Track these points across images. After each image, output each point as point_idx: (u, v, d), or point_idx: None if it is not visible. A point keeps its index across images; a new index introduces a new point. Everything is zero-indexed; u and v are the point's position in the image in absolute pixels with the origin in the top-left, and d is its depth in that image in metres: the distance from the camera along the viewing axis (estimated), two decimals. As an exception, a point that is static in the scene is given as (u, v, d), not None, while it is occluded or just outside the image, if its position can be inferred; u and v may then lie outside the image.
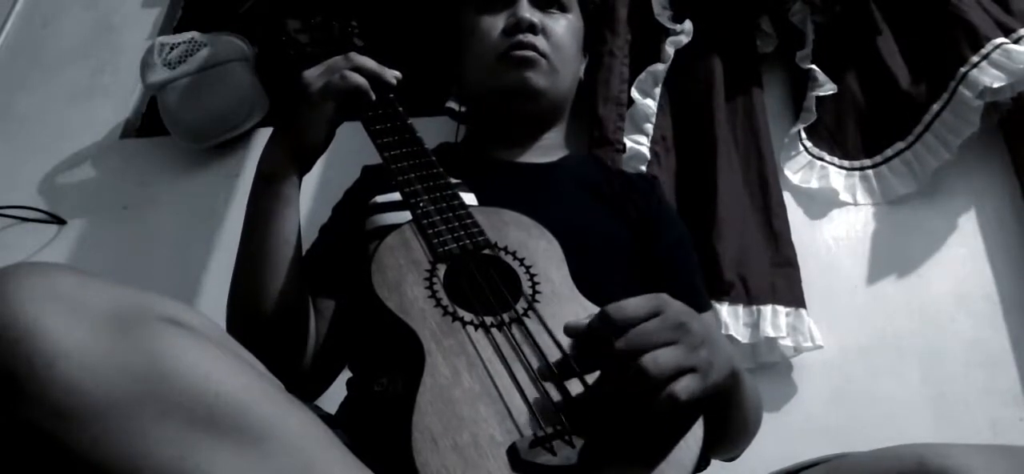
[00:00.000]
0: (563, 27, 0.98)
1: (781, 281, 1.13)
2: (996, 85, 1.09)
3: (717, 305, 1.09)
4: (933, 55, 1.19)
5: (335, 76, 0.78)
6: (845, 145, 1.25)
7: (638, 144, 1.21)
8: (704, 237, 1.14)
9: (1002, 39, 1.13)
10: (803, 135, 1.26)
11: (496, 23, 0.95)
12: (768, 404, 1.05)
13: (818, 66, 1.25)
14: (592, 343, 0.55)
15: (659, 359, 0.52)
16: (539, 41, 0.93)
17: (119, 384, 0.41)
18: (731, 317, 1.09)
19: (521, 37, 0.92)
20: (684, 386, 0.52)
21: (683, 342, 0.54)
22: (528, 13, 0.93)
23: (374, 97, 0.80)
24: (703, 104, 1.26)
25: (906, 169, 1.19)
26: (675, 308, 0.56)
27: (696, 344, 0.54)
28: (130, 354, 0.43)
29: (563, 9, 0.99)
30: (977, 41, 1.14)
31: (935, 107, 1.16)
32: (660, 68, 1.26)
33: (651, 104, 1.23)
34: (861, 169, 1.23)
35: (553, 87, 0.95)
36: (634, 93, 1.25)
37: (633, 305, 0.54)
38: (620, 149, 1.22)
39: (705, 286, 1.09)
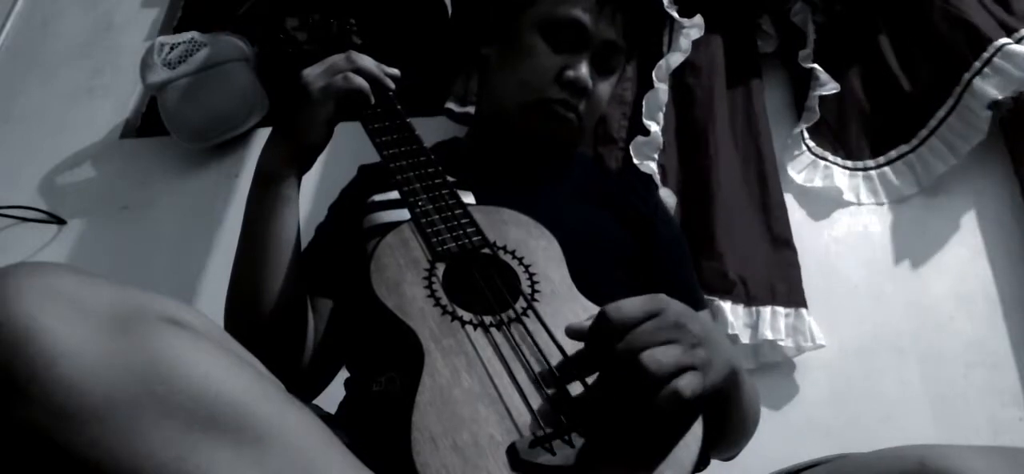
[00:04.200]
0: (606, 89, 0.94)
1: (780, 282, 1.13)
2: (1002, 96, 1.10)
3: (721, 303, 1.09)
4: (935, 56, 1.19)
5: (337, 77, 0.77)
6: (848, 145, 1.25)
7: (655, 129, 1.21)
8: (708, 235, 1.14)
9: (1004, 39, 1.13)
10: (806, 134, 1.26)
11: (553, 62, 0.89)
12: (768, 404, 1.05)
13: (820, 66, 1.25)
14: (591, 344, 0.55)
15: (659, 357, 0.52)
16: (582, 104, 0.90)
17: (119, 384, 0.41)
18: (734, 315, 1.09)
19: (570, 98, 0.89)
20: (685, 383, 0.52)
21: (682, 341, 0.54)
22: (587, 77, 0.89)
23: (374, 100, 0.80)
24: (705, 103, 1.26)
25: (909, 171, 1.19)
26: (674, 308, 0.56)
27: (695, 343, 0.55)
28: (130, 354, 0.42)
29: (614, 71, 0.95)
30: (979, 42, 1.14)
31: (941, 113, 1.16)
32: (677, 58, 1.26)
33: (664, 89, 1.23)
34: (864, 169, 1.23)
35: (575, 141, 0.95)
36: (653, 77, 1.24)
37: (631, 305, 0.54)
38: (623, 146, 1.22)
39: (711, 283, 1.09)
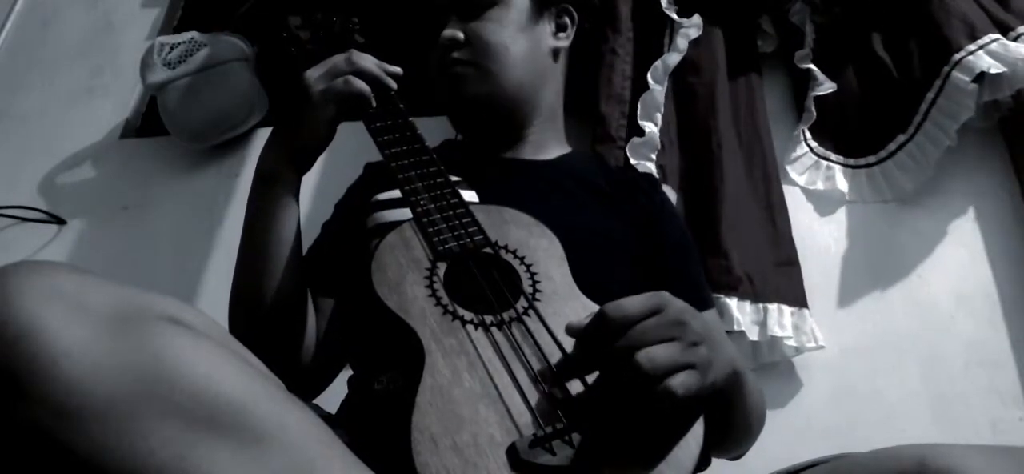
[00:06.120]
0: (490, 25, 0.92)
1: (784, 280, 1.13)
2: (993, 71, 1.09)
3: (727, 300, 1.09)
4: (930, 49, 1.19)
5: (338, 80, 0.77)
6: (849, 143, 1.25)
7: (650, 129, 1.21)
8: (713, 233, 1.14)
9: (999, 36, 1.13)
10: (807, 134, 1.26)
11: (433, 50, 0.95)
12: (769, 404, 1.05)
13: (819, 66, 1.25)
14: (591, 342, 0.55)
15: (653, 355, 0.51)
16: (463, 53, 0.91)
17: (120, 383, 0.41)
18: (740, 312, 1.09)
19: (445, 56, 0.92)
20: (680, 381, 0.52)
21: (682, 339, 0.54)
22: (448, 31, 0.92)
23: (375, 104, 0.80)
24: (707, 101, 1.26)
25: (910, 161, 1.19)
26: (675, 306, 0.56)
27: (695, 341, 0.54)
28: (131, 353, 0.43)
29: (492, 3, 0.94)
30: (973, 35, 1.14)
31: (929, 95, 1.16)
32: (674, 58, 1.25)
33: (660, 90, 1.23)
34: (866, 167, 1.23)
35: (494, 89, 0.92)
36: (649, 79, 1.24)
37: (631, 303, 0.54)
38: (622, 145, 1.22)
39: (717, 280, 1.09)
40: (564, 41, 1.01)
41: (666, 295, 0.56)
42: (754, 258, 1.13)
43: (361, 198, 0.92)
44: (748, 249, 1.14)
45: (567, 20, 1.02)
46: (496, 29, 0.93)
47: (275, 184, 0.78)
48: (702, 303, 0.84)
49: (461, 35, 0.91)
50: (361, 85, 0.78)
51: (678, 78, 1.28)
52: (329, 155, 0.85)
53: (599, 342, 0.54)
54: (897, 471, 0.51)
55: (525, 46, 0.95)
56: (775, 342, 1.09)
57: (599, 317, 0.54)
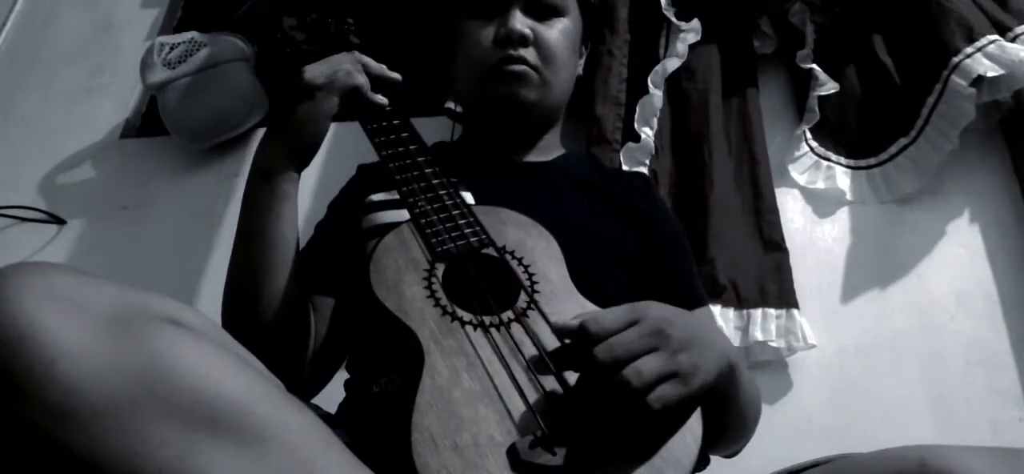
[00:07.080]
0: (557, 34, 0.92)
1: (771, 284, 1.13)
2: (991, 74, 1.09)
3: (711, 308, 1.09)
4: (929, 51, 1.19)
5: (341, 72, 0.79)
6: (849, 144, 1.25)
7: (647, 135, 1.21)
8: (699, 239, 1.14)
9: (997, 36, 1.13)
10: (808, 135, 1.26)
11: (487, 33, 0.90)
12: (769, 404, 1.05)
13: (819, 66, 1.25)
14: (573, 355, 0.56)
15: (641, 369, 0.52)
16: (529, 54, 0.89)
17: (119, 384, 0.41)
18: (723, 320, 1.10)
19: (511, 51, 0.88)
20: (657, 396, 0.53)
21: (663, 349, 0.54)
22: (520, 25, 0.88)
23: (369, 97, 0.81)
24: (700, 106, 1.26)
25: (911, 165, 1.19)
26: (652, 315, 0.56)
27: (677, 349, 0.55)
28: (130, 354, 0.43)
29: (559, 13, 0.93)
30: (971, 37, 1.14)
31: (930, 100, 1.16)
32: (673, 63, 1.25)
33: (659, 95, 1.23)
34: (867, 168, 1.23)
35: (544, 99, 0.92)
36: (649, 84, 1.24)
37: (610, 317, 0.55)
38: (617, 148, 1.22)
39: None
40: (581, 68, 1.03)
41: (642, 306, 0.57)
42: (740, 266, 1.14)
43: (355, 199, 0.92)
44: (735, 257, 1.14)
45: (583, 48, 1.04)
46: (562, 42, 0.93)
47: (275, 180, 0.78)
48: (695, 301, 0.85)
49: (531, 33, 0.90)
50: (363, 78, 0.79)
51: (673, 82, 1.28)
52: (327, 156, 0.85)
53: (581, 355, 0.55)
54: (897, 472, 0.52)
55: (571, 67, 0.97)
56: (764, 343, 1.09)
57: (579, 332, 0.55)
